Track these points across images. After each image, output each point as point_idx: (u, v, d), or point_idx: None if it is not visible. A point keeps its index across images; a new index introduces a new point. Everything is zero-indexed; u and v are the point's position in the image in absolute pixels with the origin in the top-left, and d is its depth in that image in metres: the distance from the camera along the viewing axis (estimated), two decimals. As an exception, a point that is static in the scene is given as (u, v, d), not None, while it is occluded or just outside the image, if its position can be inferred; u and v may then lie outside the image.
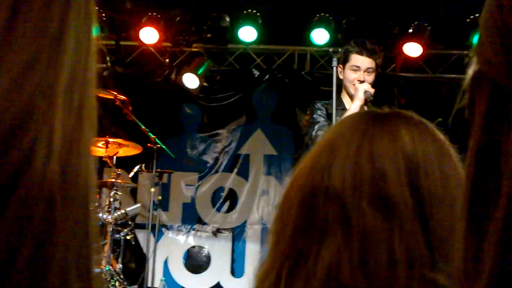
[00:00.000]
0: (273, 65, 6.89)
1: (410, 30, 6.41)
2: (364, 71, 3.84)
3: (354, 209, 0.76)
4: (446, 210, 0.77)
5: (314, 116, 3.85)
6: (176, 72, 6.73)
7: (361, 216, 0.75)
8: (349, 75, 3.90)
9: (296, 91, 6.80)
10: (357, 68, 3.87)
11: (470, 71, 0.47)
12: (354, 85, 3.86)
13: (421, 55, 6.50)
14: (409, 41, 6.42)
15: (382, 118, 0.87)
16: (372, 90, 3.77)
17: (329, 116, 3.84)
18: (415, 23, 6.37)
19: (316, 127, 3.78)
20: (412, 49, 6.46)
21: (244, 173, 6.84)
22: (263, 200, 6.75)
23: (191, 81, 6.61)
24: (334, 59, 3.90)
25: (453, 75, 6.69)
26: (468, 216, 0.45)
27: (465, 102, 0.47)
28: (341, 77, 3.92)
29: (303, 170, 0.83)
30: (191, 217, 6.80)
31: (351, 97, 3.91)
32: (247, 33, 6.48)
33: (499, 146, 0.42)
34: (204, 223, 6.77)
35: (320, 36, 6.44)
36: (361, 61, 3.87)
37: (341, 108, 3.87)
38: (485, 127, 0.44)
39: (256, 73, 6.89)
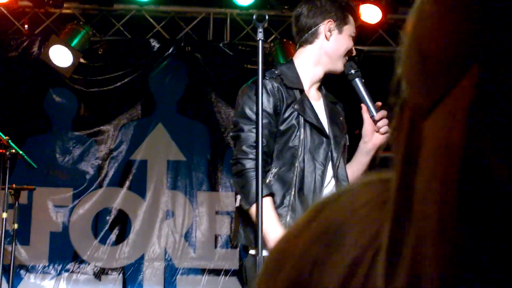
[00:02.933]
0: (179, 34, 6.89)
1: (367, -13, 6.62)
2: None
3: None
4: None
5: (247, 111, 3.60)
6: (39, 44, 6.64)
7: None
8: (348, 43, 3.76)
9: (211, 70, 6.81)
10: (354, 38, 3.80)
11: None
12: (346, 59, 3.74)
13: (381, 21, 6.63)
14: (365, 3, 6.55)
15: None
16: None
17: (285, 106, 3.63)
18: (374, -24, 6.61)
19: (245, 138, 3.57)
20: (369, 14, 6.59)
21: (139, 188, 6.79)
22: (167, 225, 6.70)
23: (61, 56, 6.48)
24: (260, 29, 3.65)
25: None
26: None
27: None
28: (328, 37, 3.74)
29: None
30: (63, 253, 6.66)
31: (328, 74, 3.76)
32: (142, -12, 6.57)
33: (411, 188, 0.50)
34: (83, 261, 6.67)
35: (244, -7, 6.56)
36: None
37: (296, 87, 3.69)
38: (403, 165, 0.52)
39: (156, 45, 6.83)
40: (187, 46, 6.79)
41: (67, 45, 6.40)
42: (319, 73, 3.77)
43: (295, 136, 3.57)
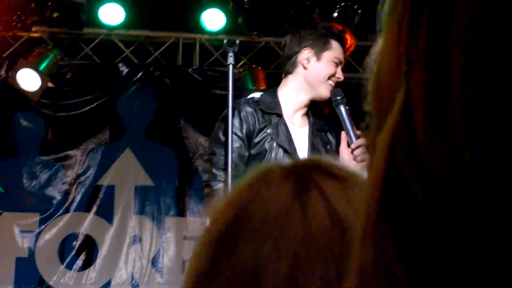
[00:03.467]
0: (148, 59, 6.89)
1: (335, 14, 6.58)
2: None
3: None
4: None
5: (220, 136, 3.78)
6: (7, 67, 6.59)
7: None
8: (329, 69, 3.83)
9: (180, 95, 6.79)
10: (339, 63, 3.87)
11: None
12: (332, 85, 3.80)
13: (350, 47, 6.55)
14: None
15: None
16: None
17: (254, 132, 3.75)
18: (342, 4, 6.58)
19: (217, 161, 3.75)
20: (338, 40, 6.72)
21: (106, 213, 6.69)
22: (134, 250, 6.64)
23: (29, 80, 6.46)
24: (230, 54, 3.87)
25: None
26: None
27: None
28: (305, 65, 3.86)
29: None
30: (28, 279, 6.54)
31: (312, 101, 3.85)
32: (111, 13, 6.48)
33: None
34: (49, 287, 6.52)
35: (213, 19, 6.50)
36: (342, 54, 3.90)
37: (275, 113, 3.79)
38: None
39: (124, 69, 6.80)
40: (156, 71, 6.76)
41: (35, 69, 6.35)
42: (302, 100, 3.86)
43: (266, 159, 3.64)
